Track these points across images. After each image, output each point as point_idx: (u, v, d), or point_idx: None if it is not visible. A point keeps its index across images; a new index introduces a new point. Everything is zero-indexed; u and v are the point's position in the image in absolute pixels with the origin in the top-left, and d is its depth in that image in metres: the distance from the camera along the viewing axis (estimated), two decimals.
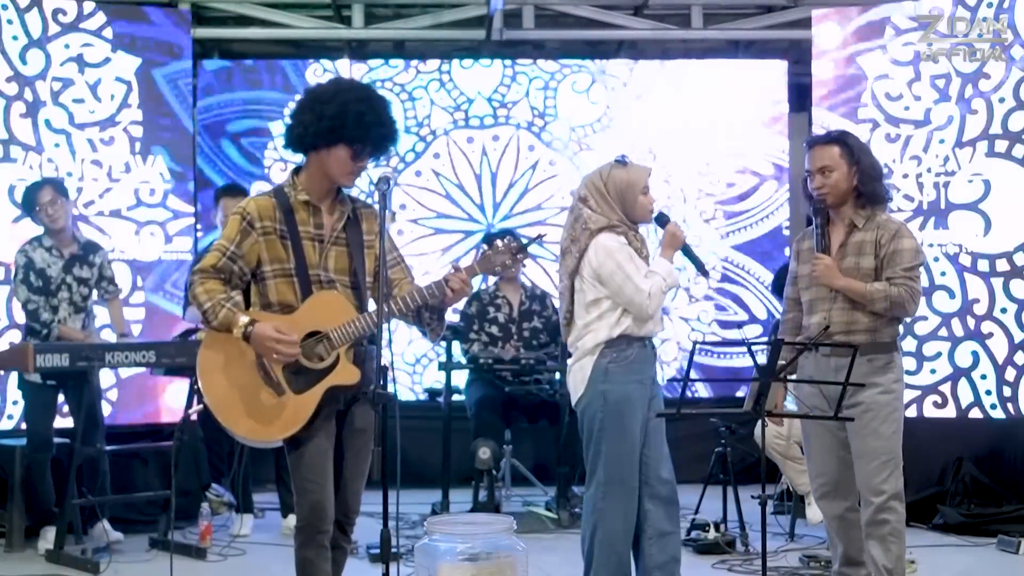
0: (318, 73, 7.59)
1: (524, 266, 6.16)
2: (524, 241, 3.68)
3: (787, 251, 7.79)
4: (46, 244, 5.65)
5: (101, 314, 5.92)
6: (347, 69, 7.66)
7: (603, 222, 3.97)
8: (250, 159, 7.55)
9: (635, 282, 3.89)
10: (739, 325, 7.54)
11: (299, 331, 3.45)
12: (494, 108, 7.76)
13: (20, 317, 6.29)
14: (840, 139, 4.12)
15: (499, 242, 3.64)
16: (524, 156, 7.75)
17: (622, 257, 3.91)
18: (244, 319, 3.40)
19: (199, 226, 7.14)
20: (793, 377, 4.00)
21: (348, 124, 3.42)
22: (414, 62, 7.73)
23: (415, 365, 7.51)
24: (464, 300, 5.95)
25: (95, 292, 5.76)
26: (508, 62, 7.78)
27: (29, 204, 5.66)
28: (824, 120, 6.71)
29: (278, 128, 7.33)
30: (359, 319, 3.45)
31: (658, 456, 4.00)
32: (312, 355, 3.45)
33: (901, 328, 6.35)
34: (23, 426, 6.22)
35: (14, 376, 6.15)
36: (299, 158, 3.57)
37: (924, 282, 6.22)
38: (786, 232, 7.78)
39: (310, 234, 3.51)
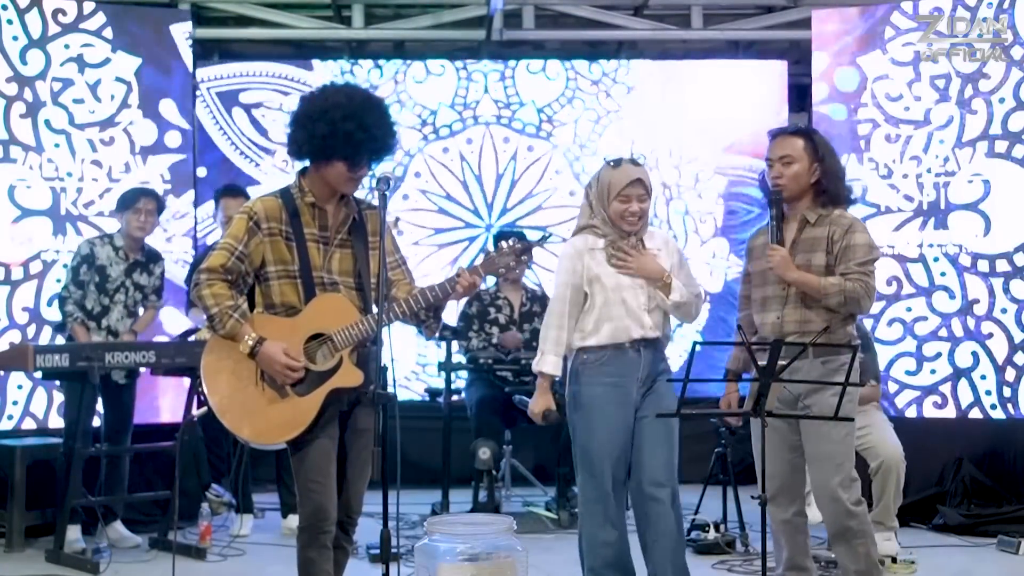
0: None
1: (529, 267, 6.15)
2: (529, 242, 3.68)
3: None
4: (116, 243, 5.67)
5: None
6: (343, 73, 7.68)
7: (581, 222, 4.05)
8: (260, 130, 7.56)
9: (549, 310, 4.03)
10: (738, 326, 7.53)
11: (303, 333, 3.46)
12: (459, 112, 7.73)
13: (20, 317, 6.31)
14: (806, 133, 4.05)
15: (503, 244, 3.64)
16: (550, 176, 7.74)
17: (560, 279, 4.01)
18: (252, 336, 3.41)
19: (199, 226, 7.15)
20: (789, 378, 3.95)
21: (338, 143, 3.42)
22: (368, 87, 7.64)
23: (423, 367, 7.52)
24: (465, 299, 5.97)
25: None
26: (574, 83, 7.72)
27: (127, 203, 5.67)
28: (824, 120, 6.71)
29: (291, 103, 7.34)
30: (362, 321, 3.45)
31: (650, 460, 3.93)
32: (315, 357, 3.46)
33: (901, 328, 6.42)
34: (22, 425, 6.27)
35: (15, 376, 6.18)
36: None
37: (924, 282, 6.31)
38: None
39: (315, 236, 3.51)
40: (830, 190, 3.99)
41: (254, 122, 7.59)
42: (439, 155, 7.72)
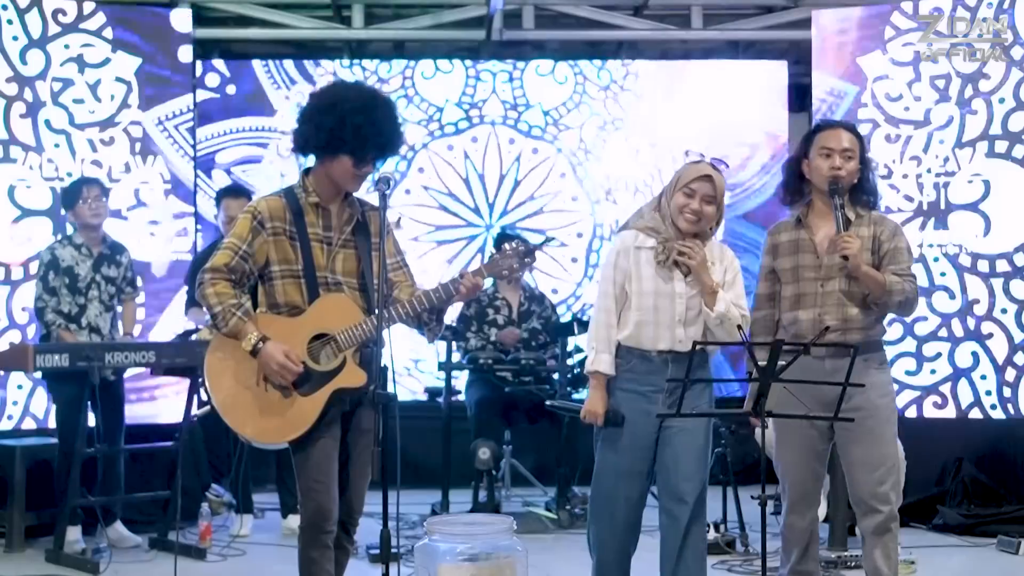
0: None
1: (532, 270, 6.16)
2: (532, 245, 3.67)
3: None
4: (76, 241, 5.63)
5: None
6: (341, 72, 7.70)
7: (634, 220, 3.89)
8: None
9: (597, 306, 3.86)
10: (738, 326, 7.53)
11: (306, 333, 3.46)
12: (465, 110, 7.77)
13: (20, 317, 6.31)
14: (857, 131, 4.00)
15: (507, 246, 3.64)
16: (506, 150, 7.78)
17: (604, 273, 3.85)
18: (255, 335, 3.41)
19: (199, 226, 7.15)
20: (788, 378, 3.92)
21: (346, 136, 3.42)
22: (375, 84, 7.70)
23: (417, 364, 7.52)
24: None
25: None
26: (581, 87, 7.78)
27: (72, 195, 5.63)
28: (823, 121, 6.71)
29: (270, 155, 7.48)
30: (366, 322, 3.45)
31: (675, 470, 3.77)
32: (318, 357, 3.46)
33: (901, 328, 6.42)
34: (22, 425, 6.27)
35: (15, 376, 6.18)
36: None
37: (924, 282, 6.33)
38: None
39: (318, 236, 3.52)
40: (872, 191, 3.96)
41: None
42: (444, 152, 7.75)
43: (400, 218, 6.06)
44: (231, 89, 7.67)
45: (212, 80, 7.64)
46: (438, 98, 7.74)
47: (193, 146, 7.06)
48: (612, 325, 3.80)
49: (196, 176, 7.14)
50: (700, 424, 3.79)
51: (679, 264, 3.75)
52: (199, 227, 7.14)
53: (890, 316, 6.30)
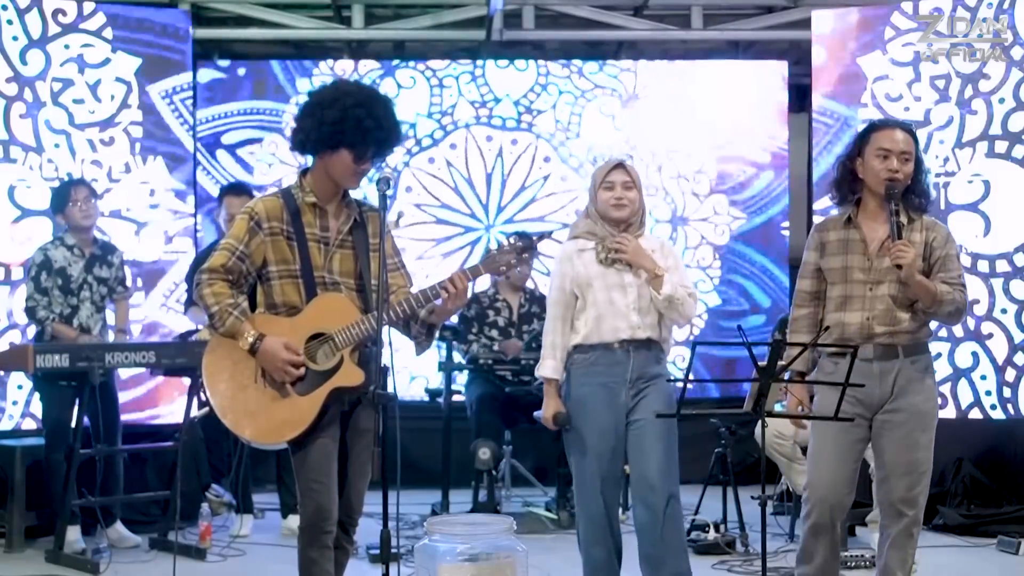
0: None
1: (531, 267, 6.12)
2: (529, 240, 3.66)
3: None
4: (68, 242, 5.63)
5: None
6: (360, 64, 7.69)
7: (575, 228, 4.07)
8: (247, 168, 7.54)
9: (547, 315, 4.05)
10: (737, 326, 7.52)
11: (304, 332, 3.46)
12: (519, 112, 7.75)
13: (20, 317, 6.31)
14: (913, 132, 3.90)
15: (505, 242, 3.64)
16: (539, 166, 7.73)
17: (551, 283, 4.03)
18: (252, 333, 3.41)
19: (199, 226, 7.15)
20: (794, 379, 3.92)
21: (347, 129, 3.43)
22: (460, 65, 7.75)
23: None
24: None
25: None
26: (544, 68, 7.77)
27: (62, 198, 5.63)
28: (824, 121, 6.71)
29: (273, 138, 7.40)
30: (363, 321, 3.45)
31: (645, 463, 3.88)
32: (316, 357, 3.46)
33: None
34: (22, 425, 6.27)
35: (15, 376, 6.18)
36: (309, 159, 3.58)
37: None
38: (784, 226, 7.77)
39: (316, 236, 3.52)
40: (925, 193, 3.88)
41: (240, 161, 7.56)
42: (426, 166, 7.69)
43: (400, 216, 6.04)
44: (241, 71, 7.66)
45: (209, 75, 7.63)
46: (407, 114, 7.53)
47: (193, 142, 7.05)
48: (558, 331, 3.99)
49: (196, 184, 7.14)
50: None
51: (618, 260, 3.92)
52: (199, 227, 7.14)
53: None
